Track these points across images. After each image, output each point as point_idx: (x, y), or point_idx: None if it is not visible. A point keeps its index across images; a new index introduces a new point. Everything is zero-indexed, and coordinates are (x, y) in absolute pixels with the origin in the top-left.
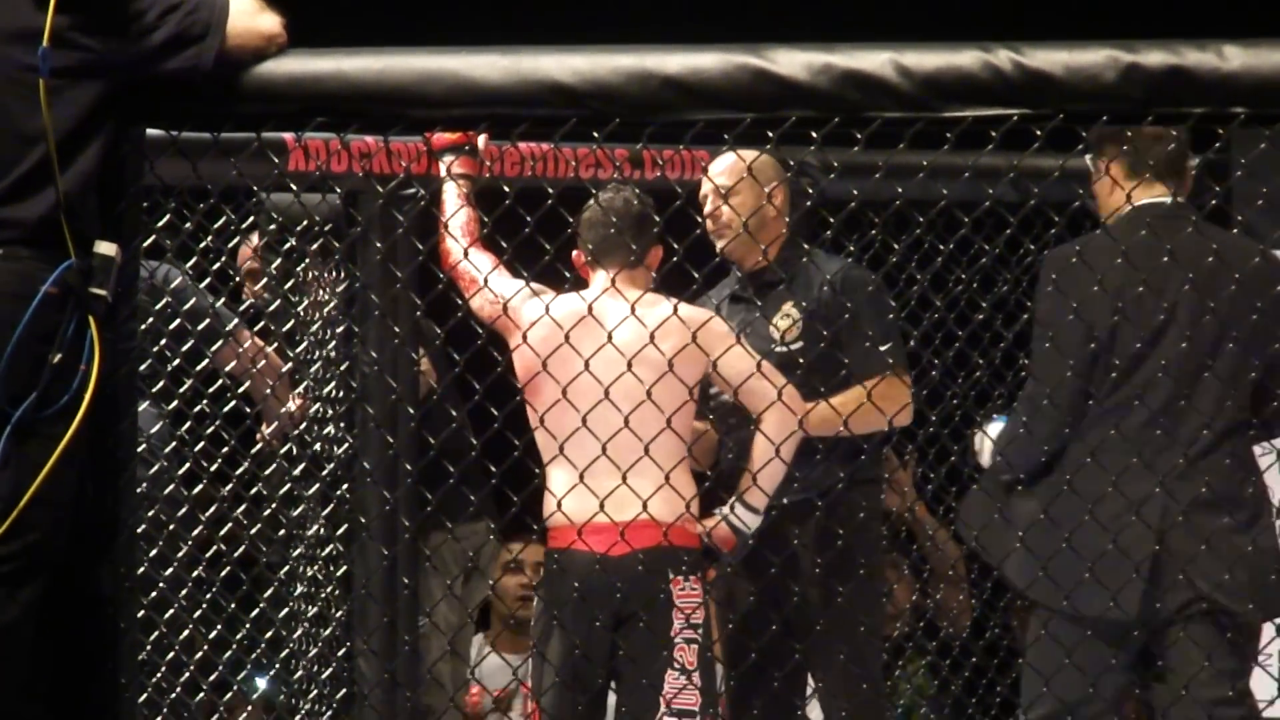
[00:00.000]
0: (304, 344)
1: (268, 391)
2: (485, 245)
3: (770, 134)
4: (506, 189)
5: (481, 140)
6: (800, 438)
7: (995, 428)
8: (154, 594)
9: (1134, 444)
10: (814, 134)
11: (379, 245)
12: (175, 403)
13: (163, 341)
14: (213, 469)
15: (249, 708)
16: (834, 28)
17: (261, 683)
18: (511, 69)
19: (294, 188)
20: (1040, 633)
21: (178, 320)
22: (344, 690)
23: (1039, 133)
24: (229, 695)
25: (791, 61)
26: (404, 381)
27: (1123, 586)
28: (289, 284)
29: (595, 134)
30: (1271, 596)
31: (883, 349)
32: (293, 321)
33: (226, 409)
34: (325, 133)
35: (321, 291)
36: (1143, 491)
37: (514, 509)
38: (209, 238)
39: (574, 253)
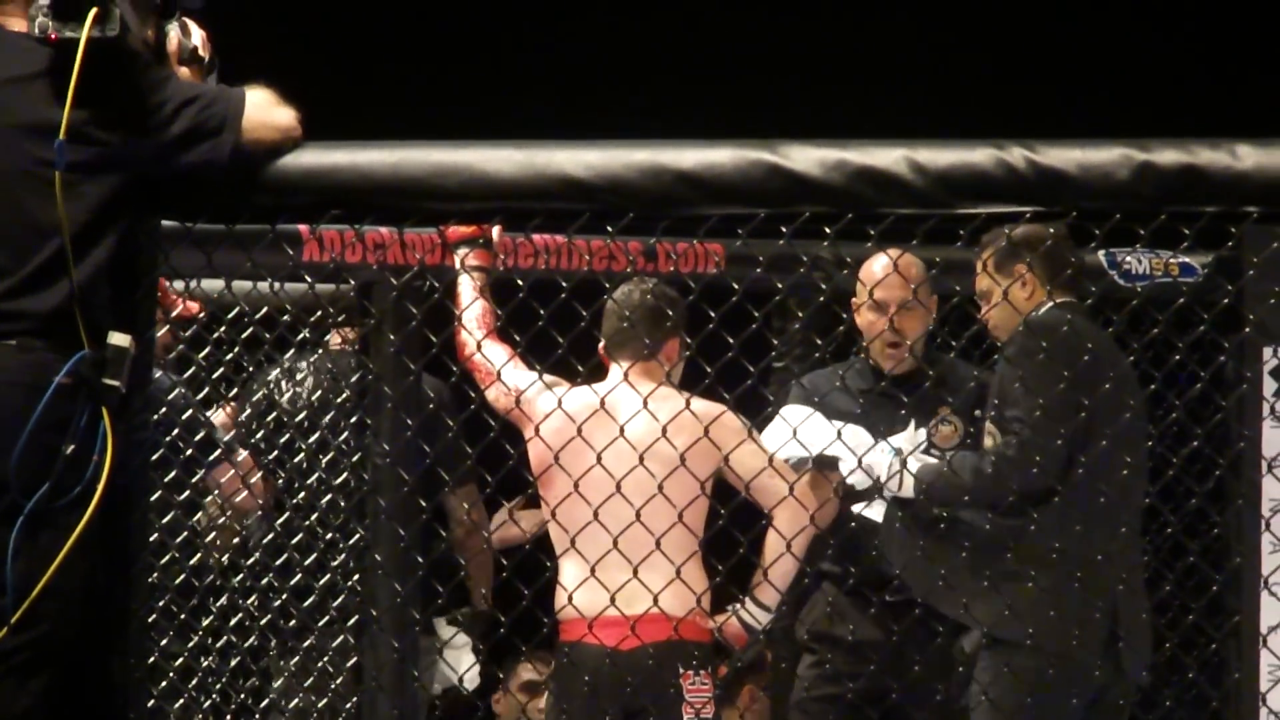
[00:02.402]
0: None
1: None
2: (500, 337)
3: (784, 230)
4: (520, 281)
5: (496, 232)
6: (811, 534)
7: (917, 460)
8: (164, 684)
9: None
10: (827, 229)
11: (393, 337)
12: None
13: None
14: (224, 559)
15: None
16: (848, 124)
17: None
18: (525, 163)
19: (308, 279)
20: (1002, 669)
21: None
22: None
23: (1052, 230)
24: None
25: (805, 157)
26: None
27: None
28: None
29: (609, 228)
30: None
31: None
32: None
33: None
34: (340, 225)
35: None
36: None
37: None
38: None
39: (600, 344)
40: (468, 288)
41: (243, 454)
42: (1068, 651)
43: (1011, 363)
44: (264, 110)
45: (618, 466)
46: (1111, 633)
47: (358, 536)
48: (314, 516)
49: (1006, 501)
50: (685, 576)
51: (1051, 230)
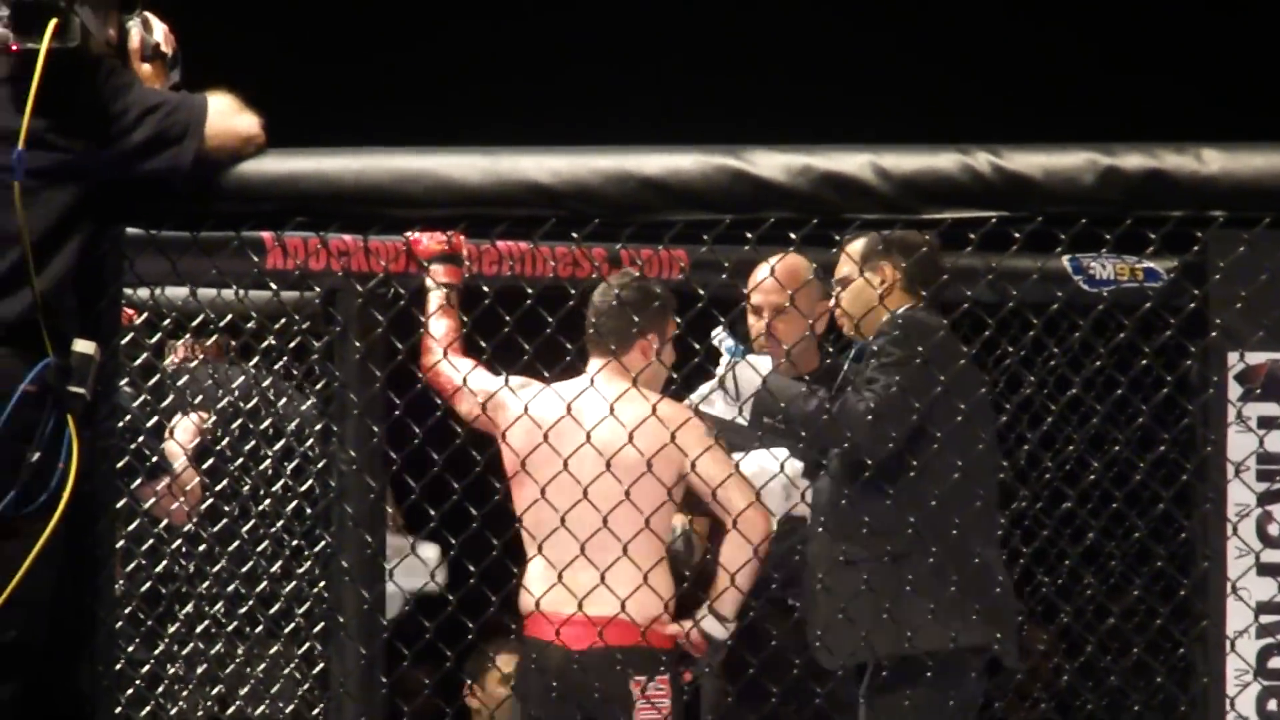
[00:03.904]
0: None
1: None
2: (467, 351)
3: (749, 235)
4: (485, 288)
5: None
6: (769, 550)
7: (761, 362)
8: (130, 691)
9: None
10: (792, 235)
11: (357, 344)
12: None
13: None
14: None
15: None
16: (813, 130)
17: None
18: (490, 169)
19: (273, 286)
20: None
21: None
22: None
23: (1017, 235)
24: None
25: (770, 163)
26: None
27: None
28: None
29: (574, 234)
30: None
31: None
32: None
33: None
34: (305, 232)
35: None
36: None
37: (492, 609)
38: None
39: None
40: (436, 304)
41: (180, 461)
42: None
43: (882, 352)
44: (227, 117)
45: (584, 470)
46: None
47: (324, 543)
48: (278, 524)
49: (841, 442)
50: (647, 581)
51: (926, 237)
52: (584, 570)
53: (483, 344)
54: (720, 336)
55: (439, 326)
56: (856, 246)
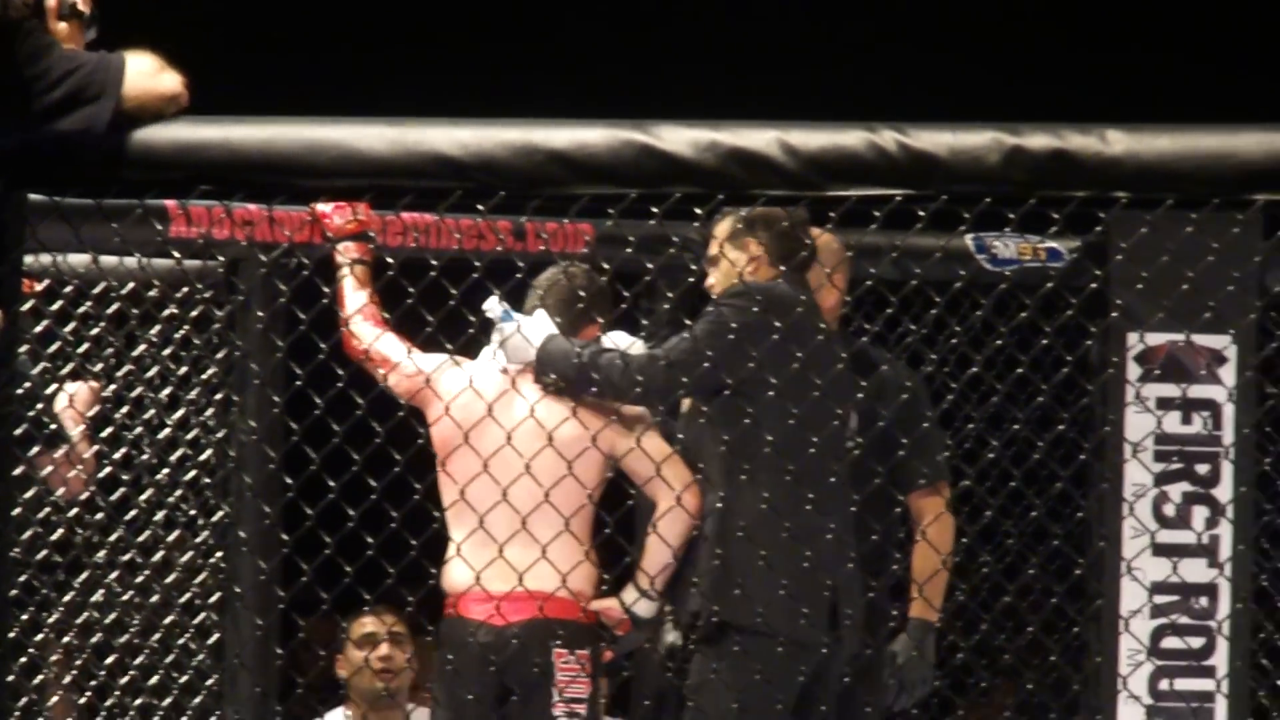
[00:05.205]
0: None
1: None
2: (388, 325)
3: (654, 209)
4: (390, 260)
5: (362, 210)
6: (690, 524)
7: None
8: (24, 660)
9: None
10: (698, 210)
11: (260, 314)
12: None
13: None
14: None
15: None
16: (721, 105)
17: None
18: (397, 140)
19: (176, 254)
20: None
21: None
22: None
23: (921, 213)
24: None
25: (677, 138)
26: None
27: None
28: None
29: (480, 206)
30: None
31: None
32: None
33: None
34: (210, 201)
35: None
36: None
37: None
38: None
39: None
40: (351, 283)
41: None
42: (796, 632)
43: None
44: (147, 77)
45: (518, 447)
46: (834, 606)
47: (221, 514)
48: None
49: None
50: (571, 558)
51: (788, 212)
52: (509, 549)
53: (387, 316)
54: (490, 305)
55: (355, 302)
56: (724, 227)
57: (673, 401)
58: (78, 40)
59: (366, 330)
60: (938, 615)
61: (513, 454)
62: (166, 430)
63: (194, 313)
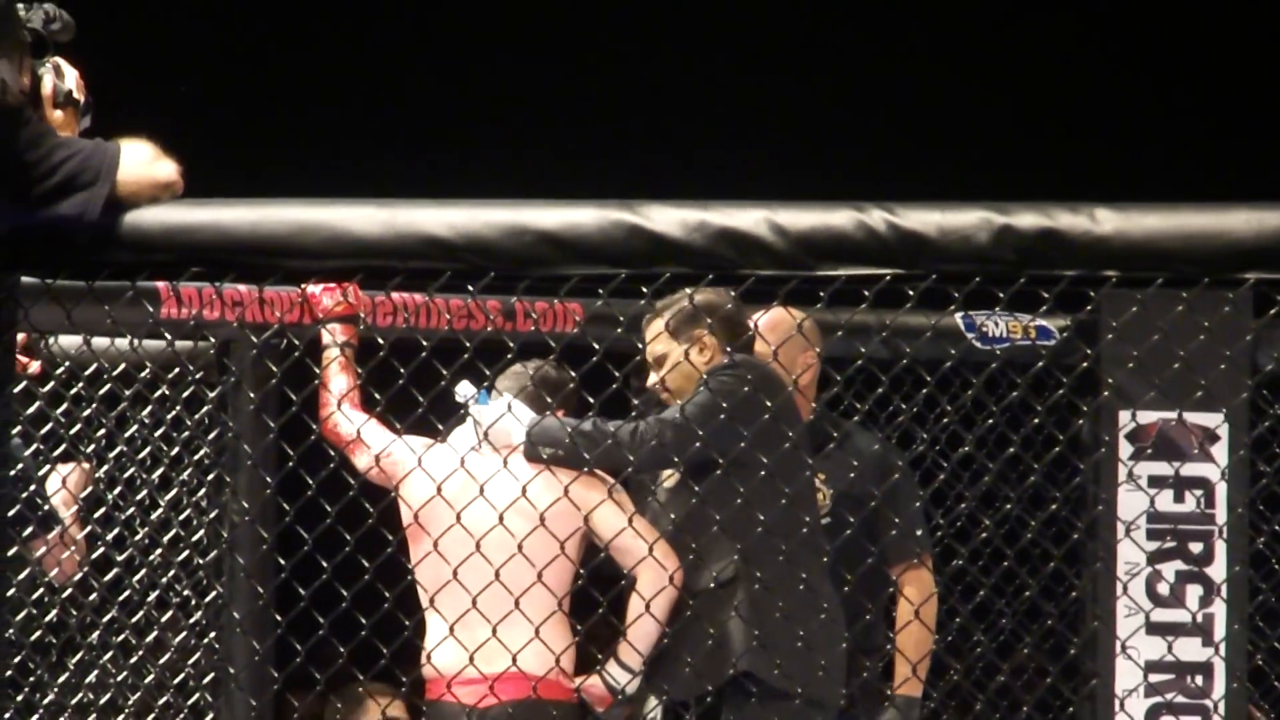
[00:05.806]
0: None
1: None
2: (364, 407)
3: (644, 290)
4: (380, 340)
5: (352, 292)
6: (675, 596)
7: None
8: None
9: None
10: (688, 290)
11: (251, 395)
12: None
13: None
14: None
15: None
16: (710, 186)
17: None
18: (388, 221)
19: (168, 335)
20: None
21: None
22: None
23: (911, 292)
24: None
25: (666, 218)
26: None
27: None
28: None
29: (470, 287)
30: None
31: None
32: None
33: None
34: (201, 282)
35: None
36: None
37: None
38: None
39: None
40: (336, 365)
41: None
42: (817, 692)
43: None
44: (143, 164)
45: (482, 525)
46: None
47: (215, 594)
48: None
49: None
50: (548, 636)
51: (731, 294)
52: (483, 629)
53: (377, 396)
54: (463, 388)
55: (337, 383)
56: (660, 324)
57: (661, 470)
58: (73, 127)
59: (345, 415)
60: (922, 688)
61: (479, 531)
62: (159, 511)
63: (186, 393)
